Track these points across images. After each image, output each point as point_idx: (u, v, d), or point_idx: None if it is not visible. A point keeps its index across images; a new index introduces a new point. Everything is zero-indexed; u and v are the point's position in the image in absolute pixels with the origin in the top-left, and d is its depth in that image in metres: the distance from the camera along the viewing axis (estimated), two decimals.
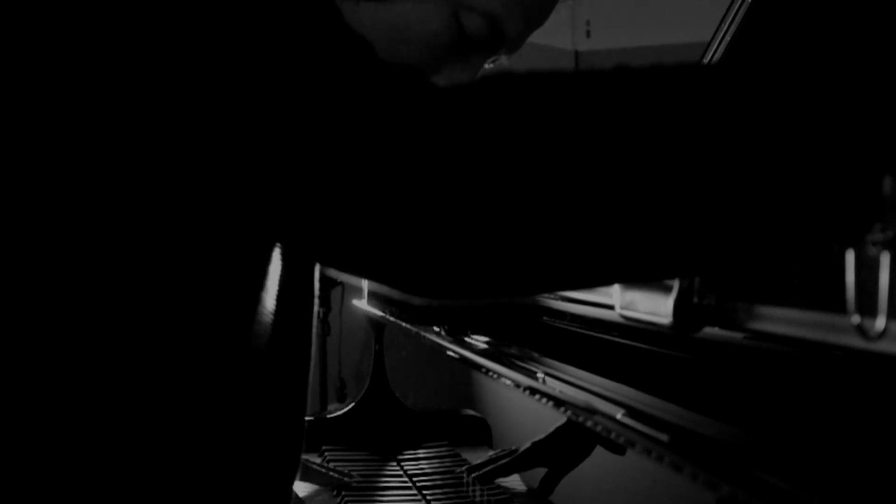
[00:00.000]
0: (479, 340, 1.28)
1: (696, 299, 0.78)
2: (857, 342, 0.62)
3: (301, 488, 1.50)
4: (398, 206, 0.62)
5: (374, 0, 0.82)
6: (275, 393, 0.85)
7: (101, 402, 0.74)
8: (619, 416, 0.83)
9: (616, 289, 0.89)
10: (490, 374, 1.18)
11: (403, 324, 1.55)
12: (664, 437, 0.75)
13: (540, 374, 1.03)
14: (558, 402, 0.98)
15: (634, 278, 0.81)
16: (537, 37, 0.92)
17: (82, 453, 0.74)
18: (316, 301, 0.90)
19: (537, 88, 0.65)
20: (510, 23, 0.85)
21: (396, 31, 0.83)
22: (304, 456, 1.51)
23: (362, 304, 1.81)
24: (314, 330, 0.90)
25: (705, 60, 1.33)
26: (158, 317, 0.74)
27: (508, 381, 1.13)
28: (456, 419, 1.76)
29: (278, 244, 0.79)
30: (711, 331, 0.79)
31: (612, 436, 0.85)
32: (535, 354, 1.13)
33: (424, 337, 1.42)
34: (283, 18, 0.67)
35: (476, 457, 1.53)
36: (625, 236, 0.62)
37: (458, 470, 1.51)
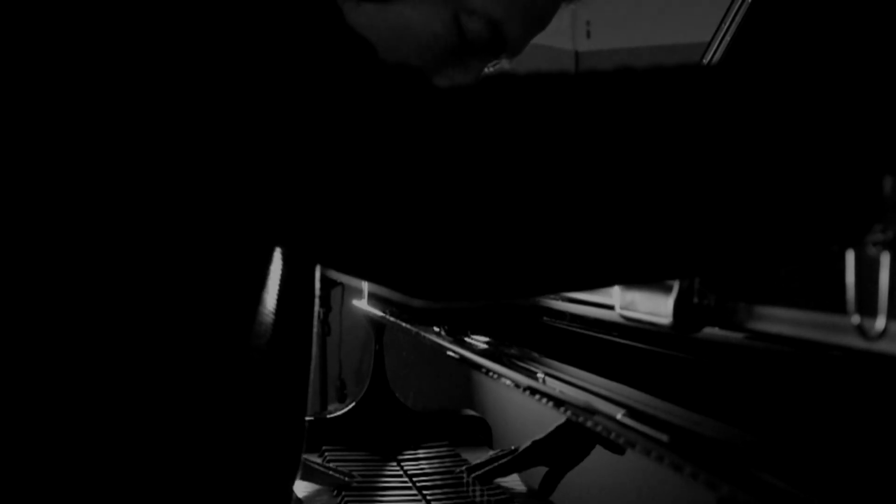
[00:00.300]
0: (479, 340, 1.28)
1: (696, 299, 0.78)
2: (857, 342, 0.62)
3: (301, 488, 1.50)
4: (397, 207, 0.62)
5: (375, 1, 0.82)
6: (275, 393, 0.85)
7: (102, 403, 0.74)
8: (619, 417, 0.83)
9: (616, 289, 0.89)
10: (490, 374, 1.19)
11: (403, 324, 1.55)
12: (664, 437, 0.75)
13: (540, 375, 1.03)
14: (558, 403, 0.98)
15: (635, 280, 0.81)
16: (537, 37, 0.92)
17: (82, 453, 0.74)
18: (316, 301, 0.90)
19: (538, 90, 0.65)
20: (511, 27, 0.85)
21: (397, 33, 0.83)
22: (305, 456, 1.51)
23: (362, 304, 1.81)
24: (315, 330, 0.90)
25: (705, 61, 1.33)
26: (159, 317, 0.74)
27: (508, 382, 1.13)
28: (456, 419, 1.76)
29: (279, 245, 0.79)
30: (711, 331, 0.79)
31: (612, 436, 0.85)
32: (535, 354, 1.12)
33: (424, 337, 1.42)
34: (284, 18, 0.67)
35: (476, 457, 1.53)
36: (626, 238, 0.62)
37: (458, 470, 1.51)
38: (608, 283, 0.82)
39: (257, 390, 0.82)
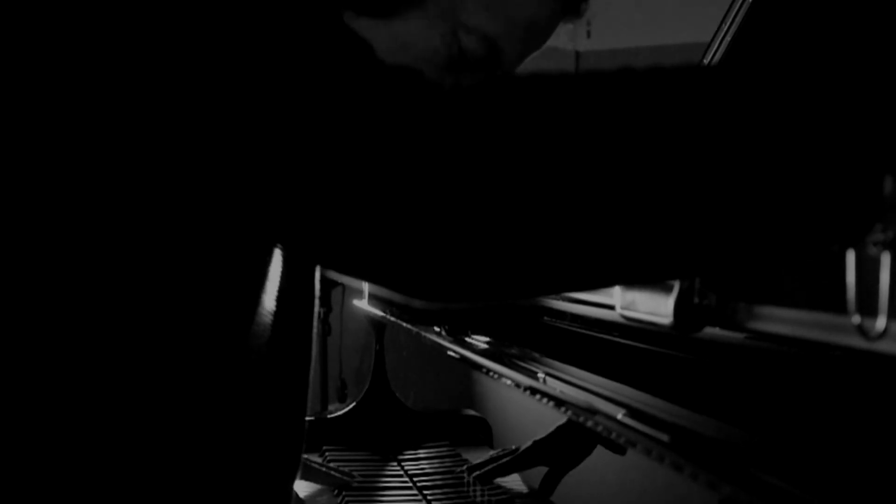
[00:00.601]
0: (480, 340, 1.28)
1: (696, 299, 0.78)
2: (857, 342, 0.62)
3: (301, 488, 1.50)
4: (398, 207, 0.62)
5: (373, 15, 0.82)
6: (275, 393, 0.85)
7: (101, 403, 0.74)
8: (619, 417, 0.83)
9: (617, 289, 0.89)
10: (491, 374, 1.18)
11: (404, 324, 1.55)
12: (665, 437, 0.75)
13: (540, 374, 1.03)
14: (559, 402, 0.98)
15: (636, 280, 0.81)
16: None
17: (82, 453, 0.74)
18: (317, 301, 0.90)
19: (539, 91, 0.65)
20: (508, 45, 0.85)
21: (394, 46, 0.83)
22: (305, 456, 1.51)
23: (363, 304, 1.81)
24: (315, 330, 0.90)
25: (706, 61, 1.33)
26: (157, 317, 0.74)
27: (509, 381, 1.13)
28: (456, 419, 1.76)
29: (279, 245, 0.79)
30: (712, 331, 0.79)
31: (613, 436, 0.85)
32: (536, 354, 1.12)
33: (425, 337, 1.42)
34: (283, 20, 0.67)
35: (477, 457, 1.53)
36: (627, 239, 0.62)
37: (459, 470, 1.51)
38: (609, 284, 0.82)
39: (256, 390, 0.82)
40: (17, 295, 0.72)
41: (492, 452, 1.49)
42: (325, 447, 1.71)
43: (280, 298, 0.82)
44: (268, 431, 0.85)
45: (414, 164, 0.62)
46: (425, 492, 1.47)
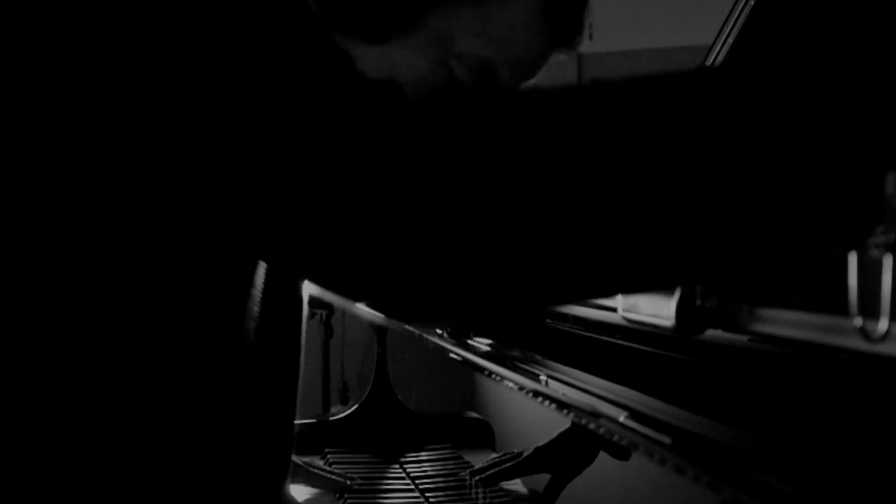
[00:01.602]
0: (482, 343, 1.28)
1: (698, 302, 0.78)
2: (859, 344, 0.62)
3: (303, 491, 1.50)
4: (379, 225, 0.61)
5: (364, 40, 0.83)
6: (261, 397, 0.85)
7: (89, 409, 0.73)
8: (621, 419, 0.83)
9: None
10: (493, 376, 1.18)
11: (406, 326, 1.54)
12: (667, 440, 0.75)
13: (543, 377, 1.03)
14: (561, 405, 0.98)
15: (638, 290, 0.81)
16: None
17: (72, 455, 0.74)
18: (304, 305, 0.90)
19: (532, 103, 0.64)
20: (502, 71, 0.87)
21: (383, 70, 0.83)
22: (306, 459, 1.51)
23: (364, 306, 1.81)
24: (303, 333, 0.90)
25: (708, 63, 1.33)
26: (142, 325, 0.74)
27: (511, 384, 1.12)
28: (459, 422, 1.76)
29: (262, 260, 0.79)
30: (714, 333, 0.78)
31: (615, 438, 0.85)
32: (538, 357, 1.12)
33: (427, 339, 1.42)
34: (267, 35, 0.66)
35: (479, 459, 1.53)
36: (626, 248, 0.61)
37: (461, 473, 1.51)
38: (610, 294, 0.82)
39: (244, 394, 0.82)
40: (12, 299, 0.72)
41: (494, 456, 1.49)
42: (327, 449, 1.71)
43: (266, 303, 0.81)
44: (255, 437, 0.85)
45: (396, 179, 0.61)
46: (427, 494, 1.47)
